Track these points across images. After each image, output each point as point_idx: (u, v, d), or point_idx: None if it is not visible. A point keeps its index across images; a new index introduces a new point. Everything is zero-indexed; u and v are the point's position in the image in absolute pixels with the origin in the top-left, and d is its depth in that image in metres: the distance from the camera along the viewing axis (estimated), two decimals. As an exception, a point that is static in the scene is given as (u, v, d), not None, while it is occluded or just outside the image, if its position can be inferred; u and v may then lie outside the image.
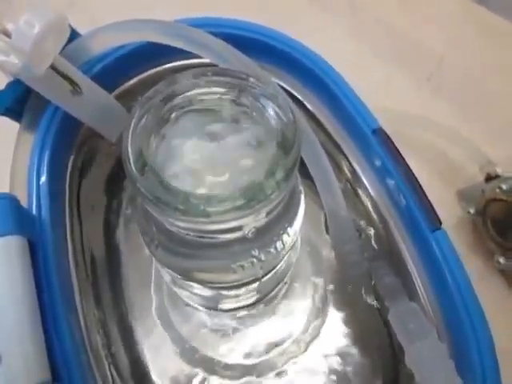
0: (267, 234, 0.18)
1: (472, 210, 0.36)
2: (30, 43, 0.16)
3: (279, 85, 0.25)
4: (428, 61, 0.46)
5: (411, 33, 0.47)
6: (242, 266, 0.18)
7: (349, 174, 0.26)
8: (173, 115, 0.17)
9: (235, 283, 0.20)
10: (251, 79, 0.17)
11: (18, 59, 0.16)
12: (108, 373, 0.21)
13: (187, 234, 0.17)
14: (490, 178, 0.36)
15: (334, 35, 0.46)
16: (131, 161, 0.16)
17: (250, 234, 0.17)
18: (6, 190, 0.23)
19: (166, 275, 0.24)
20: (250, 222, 0.16)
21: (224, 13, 0.27)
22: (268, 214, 0.17)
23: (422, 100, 0.44)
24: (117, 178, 0.27)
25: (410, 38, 0.47)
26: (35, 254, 0.19)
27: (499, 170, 0.35)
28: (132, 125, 0.16)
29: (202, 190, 0.16)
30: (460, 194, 0.38)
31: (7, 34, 0.17)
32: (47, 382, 0.17)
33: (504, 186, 0.33)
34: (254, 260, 0.18)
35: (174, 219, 0.15)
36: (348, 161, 0.25)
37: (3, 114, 0.23)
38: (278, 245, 0.19)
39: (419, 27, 0.48)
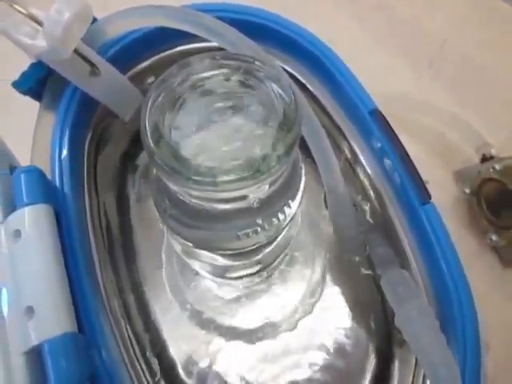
0: (271, 205, 0.20)
1: (467, 190, 0.38)
2: (61, 29, 0.18)
3: (283, 68, 0.26)
4: (428, 46, 0.47)
5: (412, 18, 0.48)
6: (247, 234, 0.20)
7: (347, 153, 0.27)
8: (184, 95, 0.19)
9: (240, 250, 0.22)
10: (257, 62, 0.19)
11: (48, 44, 0.18)
12: (124, 330, 0.24)
13: (198, 204, 0.19)
14: (485, 159, 0.37)
15: (334, 20, 0.47)
16: (148, 134, 0.18)
17: (255, 204, 0.19)
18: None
19: (177, 245, 0.26)
20: (254, 192, 0.18)
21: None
22: (271, 185, 0.18)
23: (422, 85, 0.45)
24: (130, 156, 0.29)
25: (411, 24, 0.48)
26: (60, 221, 0.21)
27: (494, 152, 0.37)
28: (149, 102, 0.18)
29: (210, 163, 0.18)
30: (457, 175, 0.40)
31: (35, 20, 0.19)
32: (73, 332, 0.19)
33: (498, 167, 0.34)
34: (258, 229, 0.20)
35: (187, 188, 0.17)
36: (347, 140, 0.27)
37: (25, 94, 0.25)
38: (280, 215, 0.21)
39: (420, 13, 0.48)
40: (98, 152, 0.27)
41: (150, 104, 0.18)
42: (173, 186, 0.18)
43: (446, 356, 0.20)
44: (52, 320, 0.18)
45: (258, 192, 0.18)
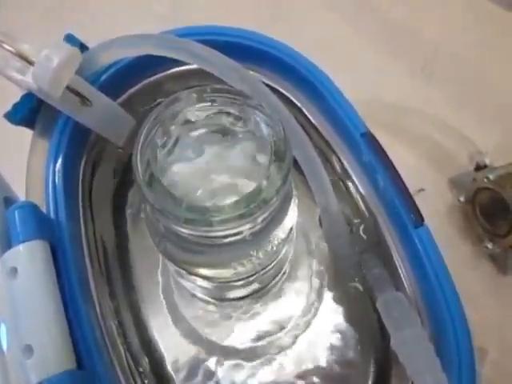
0: (264, 234, 0.20)
1: (462, 198, 0.38)
2: (50, 75, 0.18)
3: (276, 90, 0.27)
4: (422, 50, 0.47)
5: (406, 21, 0.48)
6: (242, 264, 0.20)
7: (340, 173, 0.28)
8: (175, 131, 0.19)
9: (235, 278, 0.22)
10: (246, 96, 0.19)
11: (38, 86, 0.18)
12: (124, 359, 0.24)
13: (191, 236, 0.19)
14: (479, 167, 0.37)
15: (328, 24, 0.47)
16: (140, 173, 0.18)
17: (248, 237, 0.19)
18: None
19: (172, 268, 0.26)
20: (249, 228, 0.18)
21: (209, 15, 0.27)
22: (265, 219, 0.19)
23: (415, 89, 0.45)
24: (125, 180, 0.29)
25: (405, 27, 0.48)
26: (56, 254, 0.21)
27: (487, 160, 0.37)
28: (141, 141, 0.18)
29: (204, 200, 0.18)
30: (452, 183, 0.40)
31: (24, 58, 0.19)
32: (72, 370, 0.19)
33: (491, 176, 0.35)
34: (253, 258, 0.21)
35: (179, 227, 0.17)
36: (340, 161, 0.27)
37: (18, 124, 0.25)
38: (274, 243, 0.21)
39: (414, 15, 0.48)
40: (93, 177, 0.27)
41: (141, 142, 0.18)
42: (165, 224, 0.18)
43: (440, 380, 0.20)
44: (51, 359, 0.18)
45: (252, 228, 0.18)
